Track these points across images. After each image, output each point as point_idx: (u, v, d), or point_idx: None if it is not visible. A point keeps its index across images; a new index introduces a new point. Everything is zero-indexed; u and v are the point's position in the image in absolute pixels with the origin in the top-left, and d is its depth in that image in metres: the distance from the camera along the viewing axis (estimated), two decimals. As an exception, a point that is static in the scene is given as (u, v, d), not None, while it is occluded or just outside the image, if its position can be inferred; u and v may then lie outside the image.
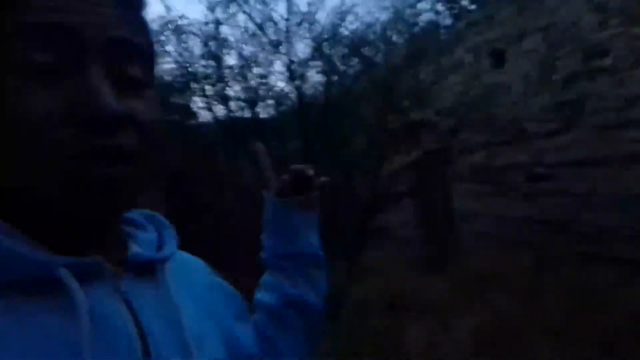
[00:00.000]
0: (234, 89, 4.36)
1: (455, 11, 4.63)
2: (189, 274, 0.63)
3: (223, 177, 3.93)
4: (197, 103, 4.41)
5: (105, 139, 0.43)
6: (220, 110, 4.29)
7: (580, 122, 3.63)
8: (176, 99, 4.40)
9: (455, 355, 2.99)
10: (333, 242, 3.94)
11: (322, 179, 0.81)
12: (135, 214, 0.60)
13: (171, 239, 0.59)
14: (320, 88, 4.50)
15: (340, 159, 3.96)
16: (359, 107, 4.21)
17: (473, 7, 4.60)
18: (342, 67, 4.71)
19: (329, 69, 4.61)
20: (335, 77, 4.61)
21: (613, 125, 3.36)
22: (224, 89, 4.33)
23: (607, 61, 3.39)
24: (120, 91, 0.44)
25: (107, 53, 0.44)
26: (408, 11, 4.57)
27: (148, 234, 0.58)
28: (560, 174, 3.86)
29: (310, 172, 0.78)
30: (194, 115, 4.53)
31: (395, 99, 4.10)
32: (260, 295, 0.79)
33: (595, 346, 3.03)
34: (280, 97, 4.30)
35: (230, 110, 4.11)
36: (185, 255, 0.66)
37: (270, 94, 4.35)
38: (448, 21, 4.67)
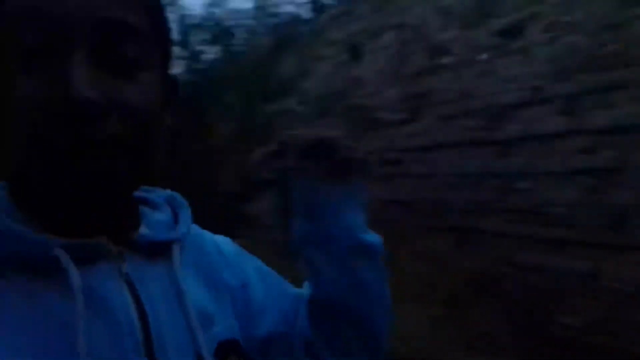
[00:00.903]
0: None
1: (317, 5, 4.88)
2: (206, 254, 0.62)
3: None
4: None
5: (84, 129, 0.40)
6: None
7: (425, 112, 4.12)
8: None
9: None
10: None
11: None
12: (154, 194, 0.59)
13: (186, 219, 0.58)
14: (184, 75, 4.37)
15: (209, 148, 3.88)
16: (225, 96, 4.18)
17: (333, 2, 4.90)
18: (205, 55, 4.64)
19: (191, 56, 4.50)
20: (198, 65, 4.52)
21: (452, 115, 3.89)
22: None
23: (448, 59, 3.92)
24: (111, 76, 0.42)
25: (95, 36, 0.42)
26: (271, 2, 4.68)
27: (161, 214, 0.58)
28: (408, 158, 4.33)
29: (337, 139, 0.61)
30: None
31: (261, 88, 4.17)
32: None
33: (442, 302, 3.47)
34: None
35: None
36: (206, 234, 0.66)
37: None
38: (310, 15, 4.90)
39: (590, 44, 3.00)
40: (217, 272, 0.62)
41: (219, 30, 4.67)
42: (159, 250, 0.53)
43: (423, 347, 3.08)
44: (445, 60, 3.92)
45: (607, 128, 2.97)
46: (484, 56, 3.63)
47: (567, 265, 3.18)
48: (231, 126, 4.30)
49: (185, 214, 0.59)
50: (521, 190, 3.44)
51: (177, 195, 0.61)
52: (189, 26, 4.48)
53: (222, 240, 0.69)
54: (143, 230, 0.53)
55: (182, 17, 4.47)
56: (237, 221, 4.21)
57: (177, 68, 4.29)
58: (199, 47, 4.64)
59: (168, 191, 0.61)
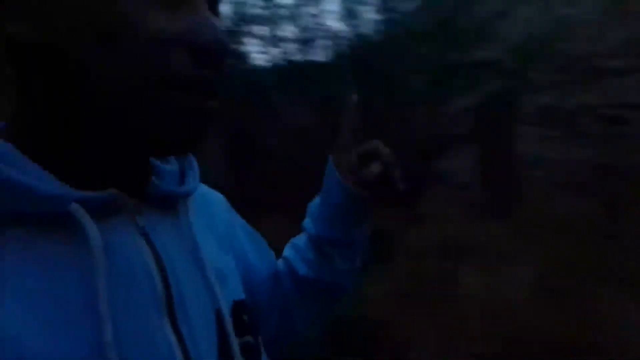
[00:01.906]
0: (286, 31, 4.27)
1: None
2: (210, 209, 0.62)
3: (279, 121, 3.96)
4: (249, 46, 4.36)
5: (210, 70, 0.43)
6: (273, 53, 4.23)
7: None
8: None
9: (512, 301, 2.98)
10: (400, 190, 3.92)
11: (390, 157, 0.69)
12: None
13: (194, 172, 0.57)
14: (377, 27, 4.32)
15: (397, 101, 3.86)
16: (418, 46, 4.03)
17: None
18: (399, 4, 4.50)
19: (385, 6, 4.41)
20: (392, 15, 4.41)
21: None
22: (275, 30, 4.25)
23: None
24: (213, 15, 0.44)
25: None
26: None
27: (170, 165, 0.56)
28: (634, 116, 3.59)
29: (386, 154, 0.69)
30: (245, 59, 4.48)
31: (457, 35, 3.90)
32: (288, 253, 0.77)
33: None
34: (334, 38, 4.18)
35: (284, 53, 4.06)
36: (205, 189, 0.64)
37: (324, 34, 4.24)
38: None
39: None
40: (224, 230, 0.62)
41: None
42: (170, 203, 0.52)
43: (627, 343, 2.68)
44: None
45: None
46: None
47: None
48: (422, 79, 4.18)
49: (192, 166, 0.57)
50: None
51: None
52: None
53: (222, 198, 0.68)
54: (156, 181, 0.51)
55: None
56: (427, 179, 4.17)
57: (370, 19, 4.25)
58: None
59: None
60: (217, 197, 0.67)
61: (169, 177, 0.54)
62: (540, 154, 4.26)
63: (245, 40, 4.33)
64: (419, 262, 3.76)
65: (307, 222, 0.76)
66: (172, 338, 0.45)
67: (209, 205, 0.62)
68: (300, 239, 0.77)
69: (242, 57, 4.31)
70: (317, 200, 0.76)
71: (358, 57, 3.75)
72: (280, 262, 0.78)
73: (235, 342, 0.51)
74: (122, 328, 0.40)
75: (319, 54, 4.08)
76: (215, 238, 0.57)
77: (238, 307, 0.55)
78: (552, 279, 3.08)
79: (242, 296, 0.58)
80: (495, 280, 3.22)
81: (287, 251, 0.78)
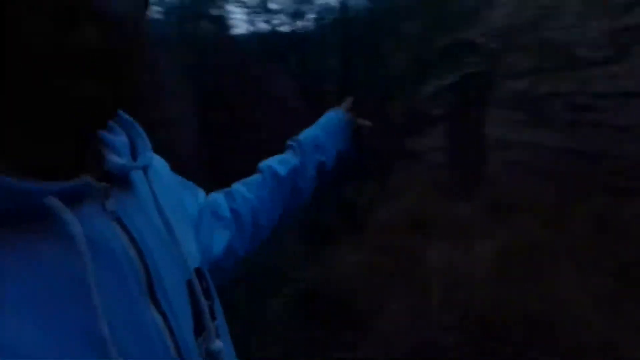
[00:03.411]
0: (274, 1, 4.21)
1: None
2: (160, 177, 0.60)
3: (260, 92, 3.92)
4: (234, 14, 4.28)
5: (60, 36, 0.36)
6: (259, 22, 4.16)
7: (635, 51, 3.44)
8: (210, 10, 4.26)
9: (476, 275, 3.12)
10: (363, 160, 4.01)
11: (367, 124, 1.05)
12: None
13: (145, 141, 0.55)
14: (365, 1, 4.30)
15: (380, 77, 3.88)
16: (404, 23, 4.04)
17: None
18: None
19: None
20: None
21: (671, 56, 3.18)
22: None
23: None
24: None
25: None
26: None
27: (119, 136, 0.54)
28: (604, 105, 3.73)
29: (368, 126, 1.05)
30: (228, 27, 4.39)
31: (443, 16, 3.92)
32: (272, 164, 0.90)
33: (614, 276, 3.10)
34: (322, 11, 4.14)
35: (270, 23, 3.99)
36: (155, 157, 0.62)
37: (312, 6, 4.19)
38: None
39: None
40: (174, 196, 0.62)
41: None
42: (125, 177, 0.50)
43: (579, 317, 2.86)
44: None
45: None
46: None
47: None
48: (407, 57, 4.21)
49: (141, 135, 0.55)
50: None
51: (121, 113, 0.55)
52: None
53: (163, 161, 0.67)
54: (114, 157, 0.49)
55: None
56: (400, 156, 4.24)
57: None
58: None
59: (122, 114, 0.55)
60: (160, 161, 0.66)
61: (120, 149, 0.52)
62: (510, 137, 4.40)
63: (230, 7, 4.24)
64: (387, 235, 3.87)
65: (300, 134, 0.96)
66: (158, 319, 0.46)
67: (157, 172, 0.60)
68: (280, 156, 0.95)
69: (225, 24, 4.22)
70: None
71: (345, 30, 3.73)
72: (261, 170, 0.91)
73: (206, 309, 0.53)
74: (114, 317, 0.40)
75: (306, 26, 4.05)
76: (170, 206, 0.56)
77: (198, 274, 0.56)
78: (513, 256, 3.23)
79: (199, 264, 0.59)
80: (459, 255, 3.35)
81: (268, 163, 0.92)
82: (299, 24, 3.92)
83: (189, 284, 0.53)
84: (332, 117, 1.01)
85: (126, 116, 0.55)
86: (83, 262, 0.39)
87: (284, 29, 3.91)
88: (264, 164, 0.91)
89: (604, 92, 3.73)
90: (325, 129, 0.98)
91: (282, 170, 0.89)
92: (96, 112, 0.40)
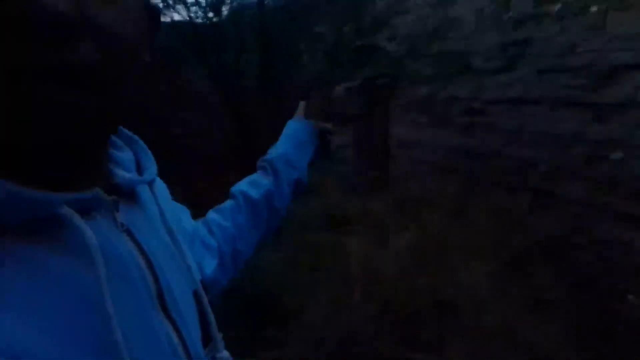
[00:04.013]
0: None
1: None
2: (163, 194, 0.62)
3: (175, 86, 3.77)
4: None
5: (57, 53, 0.34)
6: (176, 14, 3.99)
7: (522, 64, 3.87)
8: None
9: (392, 268, 3.31)
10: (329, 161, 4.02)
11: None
12: None
13: (149, 157, 0.56)
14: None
15: (296, 74, 3.93)
16: (317, 23, 4.13)
17: None
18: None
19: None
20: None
21: (552, 69, 3.64)
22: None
23: (556, 7, 3.59)
24: None
25: None
26: None
27: (124, 152, 0.54)
28: (495, 110, 4.16)
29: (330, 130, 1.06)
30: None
31: (353, 20, 4.08)
32: (244, 188, 0.89)
33: (510, 264, 3.48)
34: (239, 6, 4.08)
35: (188, 15, 3.85)
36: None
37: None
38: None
39: None
40: (176, 215, 0.65)
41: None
42: (136, 192, 0.51)
43: (481, 300, 3.17)
44: (552, 8, 3.59)
45: None
46: (596, 8, 3.28)
47: (647, 245, 3.04)
48: (319, 58, 4.30)
49: (145, 152, 0.56)
50: (612, 160, 3.24)
51: (123, 129, 0.55)
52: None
53: (164, 185, 0.67)
54: (123, 173, 0.50)
55: None
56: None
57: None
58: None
59: (125, 131, 0.56)
60: (161, 182, 0.66)
61: (130, 166, 0.53)
62: (415, 138, 4.72)
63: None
64: (305, 232, 3.95)
65: (268, 153, 0.96)
66: (170, 329, 0.46)
67: (160, 189, 0.61)
68: (251, 177, 0.94)
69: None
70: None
71: (263, 25, 3.72)
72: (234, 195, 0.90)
73: (212, 319, 0.55)
74: (126, 326, 0.40)
75: (219, 19, 3.96)
76: (173, 221, 0.57)
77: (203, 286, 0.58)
78: (423, 248, 3.48)
79: (200, 276, 0.61)
80: (375, 249, 3.54)
81: (239, 188, 0.90)
82: (215, 17, 3.84)
83: (196, 295, 0.54)
84: (297, 129, 0.99)
85: (129, 133, 0.56)
86: (97, 272, 0.39)
87: (200, 21, 3.81)
88: (236, 188, 0.89)
89: (495, 98, 4.14)
90: (293, 143, 0.96)
91: (255, 194, 0.88)
92: (93, 124, 0.39)
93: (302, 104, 1.08)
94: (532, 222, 3.76)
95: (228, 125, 3.88)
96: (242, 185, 0.90)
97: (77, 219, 0.39)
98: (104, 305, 0.38)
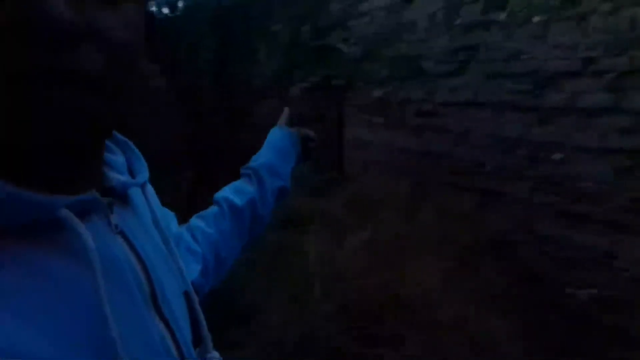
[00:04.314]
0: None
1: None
2: (153, 197, 0.63)
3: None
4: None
5: (61, 58, 0.34)
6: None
7: (471, 68, 4.05)
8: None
9: (348, 266, 3.37)
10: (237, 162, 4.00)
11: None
12: None
13: (141, 160, 0.57)
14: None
15: (252, 73, 3.92)
16: (277, 22, 4.12)
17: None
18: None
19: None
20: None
21: (499, 74, 3.83)
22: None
23: (502, 15, 3.78)
24: (88, 1, 0.36)
25: None
26: None
27: (116, 156, 0.55)
28: (446, 112, 4.32)
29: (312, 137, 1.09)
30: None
31: (312, 19, 4.11)
32: (228, 195, 0.90)
33: (457, 258, 3.64)
34: (197, 2, 4.00)
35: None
36: None
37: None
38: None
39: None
40: (165, 218, 0.66)
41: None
42: (127, 195, 0.52)
43: (434, 296, 3.29)
44: (498, 15, 3.78)
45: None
46: (539, 18, 3.49)
47: (584, 241, 3.27)
48: (276, 57, 4.30)
49: (136, 155, 0.57)
50: (553, 161, 3.45)
51: (126, 139, 0.57)
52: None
53: (153, 190, 0.68)
54: (116, 175, 0.51)
55: None
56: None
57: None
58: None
59: (117, 134, 0.56)
60: (150, 187, 0.67)
61: (122, 168, 0.54)
62: (370, 138, 4.82)
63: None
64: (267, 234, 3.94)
65: (252, 160, 0.97)
66: (163, 329, 0.47)
67: (150, 193, 0.62)
68: (235, 184, 0.95)
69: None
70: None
71: (218, 20, 3.67)
72: (217, 202, 0.90)
73: (203, 319, 0.56)
74: (121, 326, 0.40)
75: (175, 14, 3.87)
76: (164, 224, 0.58)
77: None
78: (379, 247, 3.57)
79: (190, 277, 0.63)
80: (330, 249, 3.59)
81: (223, 195, 0.91)
82: (171, 13, 3.75)
83: (187, 295, 0.55)
84: (280, 137, 1.02)
85: (121, 137, 0.57)
86: (95, 274, 0.39)
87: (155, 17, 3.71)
88: (220, 195, 0.90)
89: (446, 101, 4.30)
90: (277, 152, 0.98)
91: (239, 201, 0.89)
92: (94, 127, 0.39)
93: (286, 110, 1.10)
94: (479, 220, 3.94)
95: (182, 123, 3.81)
96: (226, 192, 0.91)
97: (76, 222, 0.39)
98: (101, 307, 0.39)
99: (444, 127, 4.28)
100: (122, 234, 0.47)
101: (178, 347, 0.49)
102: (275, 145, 1.00)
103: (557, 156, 3.44)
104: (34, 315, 0.36)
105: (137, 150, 0.58)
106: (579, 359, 3.04)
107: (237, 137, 3.88)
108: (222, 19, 3.60)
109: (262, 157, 0.97)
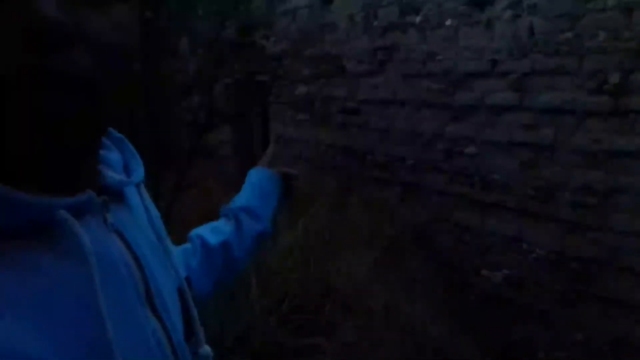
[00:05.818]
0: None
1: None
2: (144, 194, 0.63)
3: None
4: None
5: (51, 59, 0.35)
6: None
7: (390, 68, 4.26)
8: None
9: (282, 261, 3.43)
10: (167, 159, 3.90)
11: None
12: None
13: (137, 158, 0.58)
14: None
15: (177, 70, 3.82)
16: (200, 18, 4.04)
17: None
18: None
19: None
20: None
21: (415, 74, 4.07)
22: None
23: (417, 18, 4.02)
24: (84, 2, 0.37)
25: None
26: None
27: (112, 153, 0.55)
28: (368, 110, 4.51)
29: (294, 175, 1.05)
30: None
31: (235, 16, 4.08)
32: (203, 233, 0.88)
33: (383, 249, 3.84)
34: None
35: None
36: None
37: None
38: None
39: (548, 28, 3.23)
40: (157, 217, 0.66)
41: None
42: (118, 192, 0.52)
43: (364, 285, 3.46)
44: (414, 19, 4.02)
45: (548, 108, 3.28)
46: (450, 22, 3.77)
47: (496, 227, 3.61)
48: (199, 52, 4.22)
49: (133, 152, 0.58)
50: (466, 155, 3.76)
51: (111, 130, 0.56)
52: None
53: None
54: (111, 173, 0.51)
55: None
56: (195, 151, 4.27)
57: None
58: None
59: (113, 131, 0.57)
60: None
61: (117, 166, 0.54)
62: (296, 135, 4.89)
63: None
64: (187, 230, 3.87)
65: (232, 201, 0.96)
66: (157, 326, 0.48)
67: (145, 192, 0.62)
68: (214, 223, 0.93)
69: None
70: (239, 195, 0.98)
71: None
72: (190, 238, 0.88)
73: (196, 314, 0.58)
74: (116, 324, 0.41)
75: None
76: (158, 221, 0.59)
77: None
78: (311, 241, 3.66)
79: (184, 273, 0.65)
80: (267, 244, 3.62)
81: (198, 232, 0.89)
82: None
83: (180, 291, 0.57)
84: (261, 178, 0.99)
85: (117, 134, 0.57)
86: (92, 274, 0.40)
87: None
88: (195, 232, 0.89)
89: (367, 99, 4.49)
90: (258, 194, 0.96)
91: (213, 240, 0.87)
92: (84, 128, 0.40)
93: (269, 151, 1.09)
94: (402, 212, 4.18)
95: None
96: (202, 230, 0.89)
97: (74, 223, 0.40)
98: (98, 307, 0.39)
99: (367, 124, 4.47)
100: (118, 232, 0.47)
101: (170, 343, 0.50)
102: (256, 187, 0.97)
103: (470, 150, 3.75)
104: (30, 315, 0.36)
105: (132, 148, 0.58)
106: (494, 333, 3.37)
107: (157, 135, 3.78)
108: (143, 15, 3.47)
109: (242, 199, 0.95)
